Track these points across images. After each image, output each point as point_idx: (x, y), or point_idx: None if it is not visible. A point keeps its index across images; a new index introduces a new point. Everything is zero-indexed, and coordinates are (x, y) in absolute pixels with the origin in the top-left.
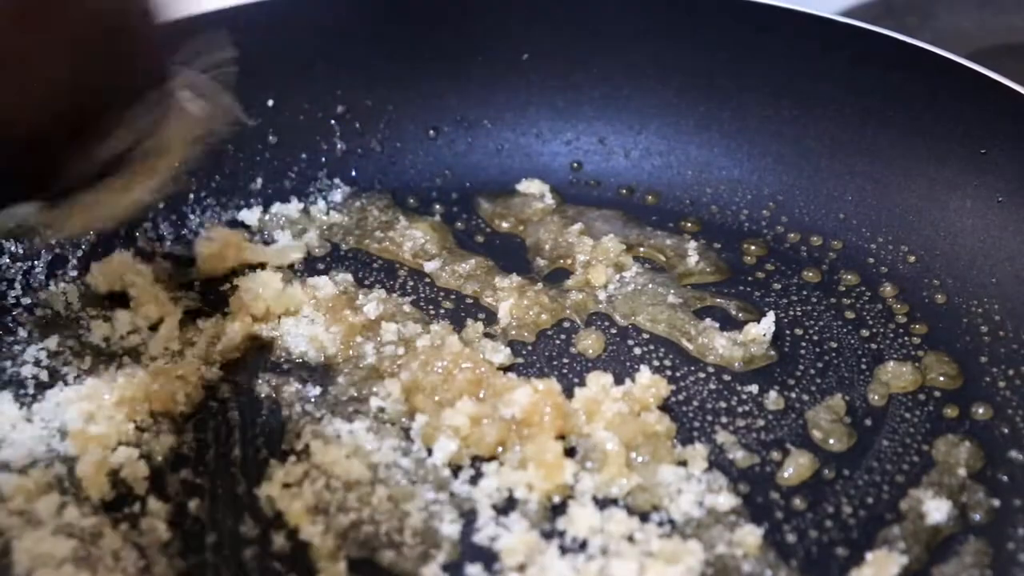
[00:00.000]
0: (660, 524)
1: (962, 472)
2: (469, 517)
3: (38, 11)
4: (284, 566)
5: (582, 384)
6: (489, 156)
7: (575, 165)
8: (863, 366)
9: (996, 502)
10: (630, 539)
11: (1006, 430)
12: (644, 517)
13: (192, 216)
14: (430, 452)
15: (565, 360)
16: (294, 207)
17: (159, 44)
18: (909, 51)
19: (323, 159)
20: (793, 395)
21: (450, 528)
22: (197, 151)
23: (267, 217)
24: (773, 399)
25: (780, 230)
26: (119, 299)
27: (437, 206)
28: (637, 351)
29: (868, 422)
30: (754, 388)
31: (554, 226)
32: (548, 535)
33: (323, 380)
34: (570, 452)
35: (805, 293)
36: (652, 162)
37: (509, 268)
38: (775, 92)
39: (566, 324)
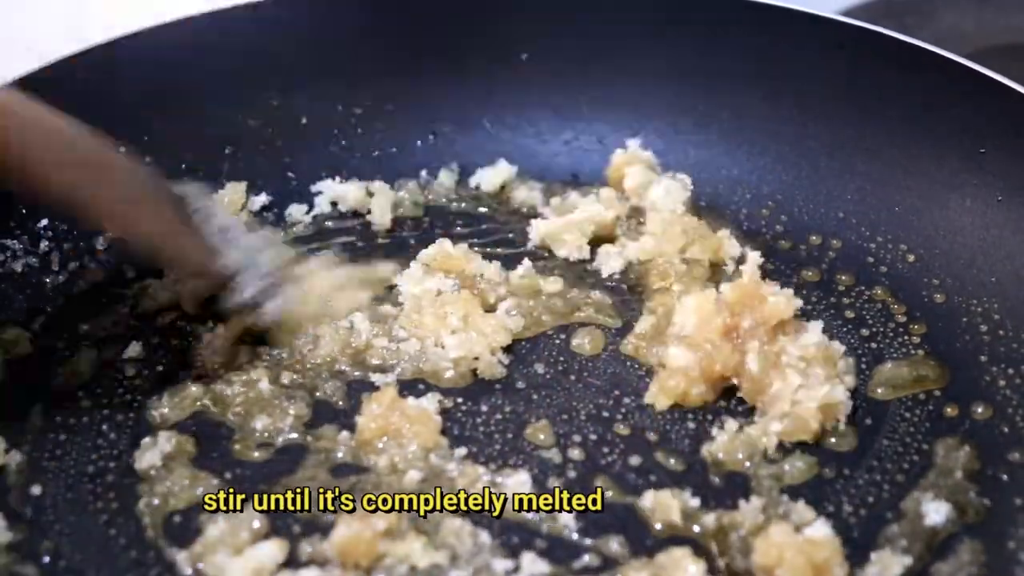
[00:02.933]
0: None
1: (959, 475)
2: None
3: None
4: None
5: (582, 383)
6: (488, 156)
7: (574, 165)
8: (863, 365)
9: (995, 502)
10: None
11: (1006, 429)
12: None
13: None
14: None
15: (562, 358)
16: (296, 208)
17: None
18: (908, 50)
19: (323, 159)
20: None
21: None
22: None
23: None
24: None
25: (779, 229)
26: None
27: (438, 205)
28: None
29: (868, 421)
30: None
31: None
32: None
33: None
34: None
35: (805, 292)
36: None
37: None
38: (774, 91)
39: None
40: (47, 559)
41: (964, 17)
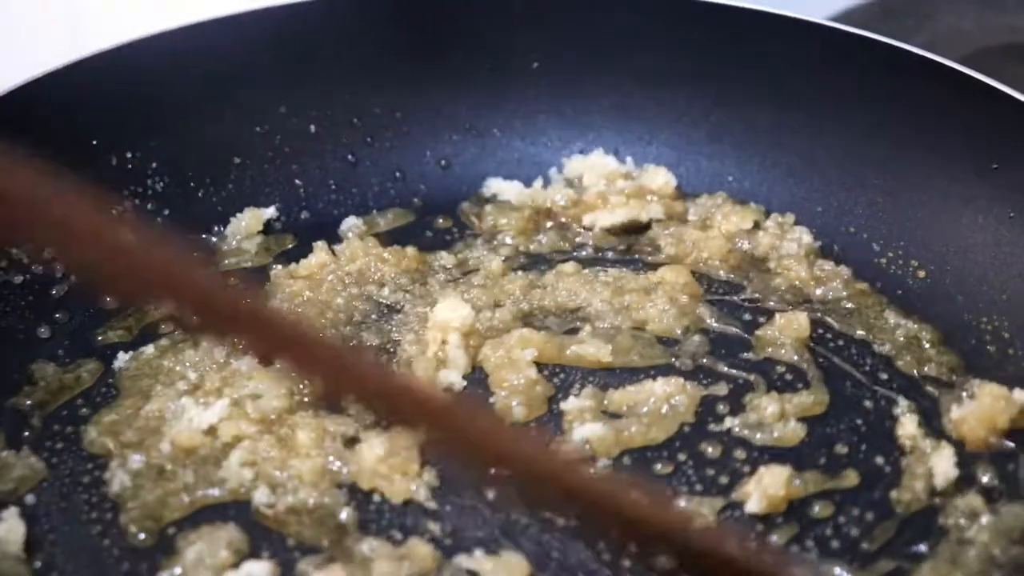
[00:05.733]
0: None
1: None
2: None
3: None
4: None
5: None
6: (498, 165)
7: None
8: None
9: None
10: None
11: None
12: None
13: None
14: None
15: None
16: (305, 216)
17: None
18: (922, 64)
19: (332, 168)
20: None
21: None
22: None
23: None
24: None
25: None
26: None
27: (442, 216)
28: None
29: None
30: None
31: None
32: None
33: None
34: None
35: None
36: None
37: None
38: (786, 103)
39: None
40: (38, 564)
41: (964, 17)
